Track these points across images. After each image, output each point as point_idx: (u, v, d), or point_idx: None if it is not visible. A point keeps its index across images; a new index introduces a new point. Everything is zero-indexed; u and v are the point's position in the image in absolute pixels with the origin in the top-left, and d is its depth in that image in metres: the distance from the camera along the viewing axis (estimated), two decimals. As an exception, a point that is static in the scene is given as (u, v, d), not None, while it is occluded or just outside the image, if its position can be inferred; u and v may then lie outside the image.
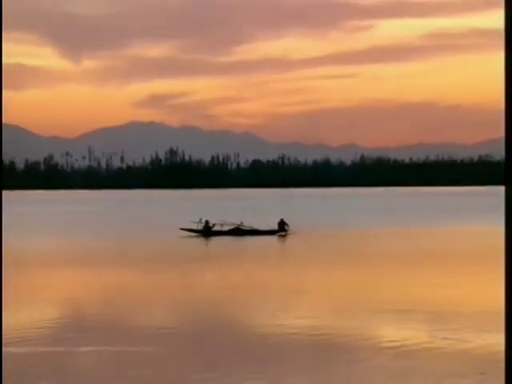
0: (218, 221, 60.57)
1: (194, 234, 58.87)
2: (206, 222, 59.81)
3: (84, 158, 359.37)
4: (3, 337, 19.32)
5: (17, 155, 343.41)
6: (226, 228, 60.18)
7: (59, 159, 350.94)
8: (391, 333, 20.47)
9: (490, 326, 21.32)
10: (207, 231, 59.27)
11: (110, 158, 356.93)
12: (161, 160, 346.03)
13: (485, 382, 15.46)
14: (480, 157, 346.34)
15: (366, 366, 16.60)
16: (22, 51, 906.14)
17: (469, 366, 16.56)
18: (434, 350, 18.26)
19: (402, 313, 23.59)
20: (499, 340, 19.40)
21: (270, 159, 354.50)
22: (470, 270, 35.59)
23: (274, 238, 56.22)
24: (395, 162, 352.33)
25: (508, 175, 6.62)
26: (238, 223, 60.59)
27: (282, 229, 59.32)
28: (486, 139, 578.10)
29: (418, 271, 35.42)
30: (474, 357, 17.51)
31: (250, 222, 61.48)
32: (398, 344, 18.77)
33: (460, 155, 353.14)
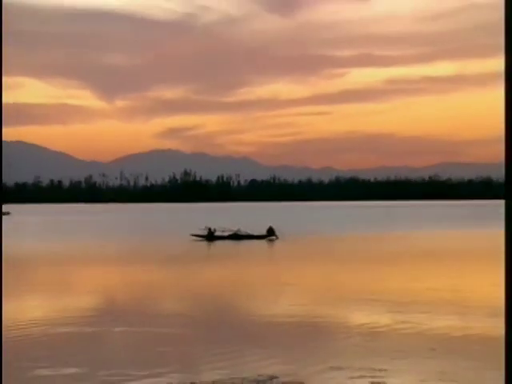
0: (219, 228, 60.18)
1: (200, 238, 58.46)
2: (209, 229, 59.42)
3: (116, 178, 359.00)
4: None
5: (63, 176, 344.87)
6: (226, 233, 59.72)
7: (97, 179, 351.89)
8: (360, 317, 19.97)
9: (442, 311, 20.83)
10: (211, 236, 58.85)
11: (137, 178, 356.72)
12: (177, 180, 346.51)
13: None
14: (430, 177, 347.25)
15: (341, 343, 16.17)
16: (67, 94, 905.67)
17: (422, 343, 16.04)
18: (394, 330, 17.79)
19: (369, 301, 23.07)
20: (450, 323, 18.89)
21: (264, 179, 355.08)
22: (428, 267, 35.02)
23: (265, 242, 55.60)
24: (363, 181, 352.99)
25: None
26: (236, 230, 60.11)
27: (271, 234, 58.69)
28: (434, 163, 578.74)
29: (385, 268, 34.95)
30: (428, 336, 16.97)
31: (246, 229, 61.05)
32: (365, 325, 18.30)
33: (414, 176, 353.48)
